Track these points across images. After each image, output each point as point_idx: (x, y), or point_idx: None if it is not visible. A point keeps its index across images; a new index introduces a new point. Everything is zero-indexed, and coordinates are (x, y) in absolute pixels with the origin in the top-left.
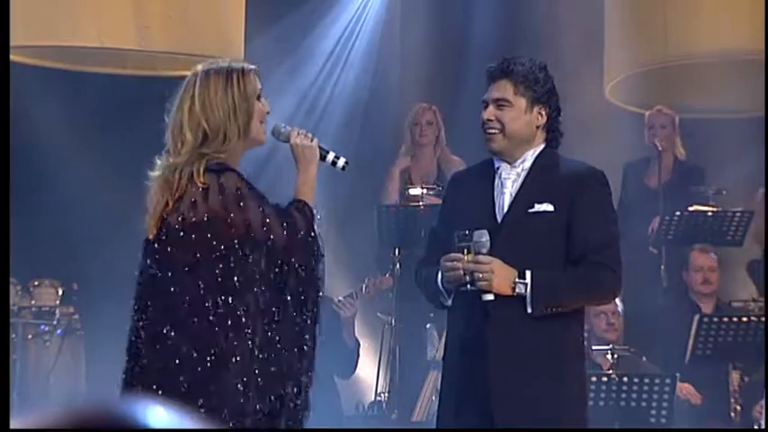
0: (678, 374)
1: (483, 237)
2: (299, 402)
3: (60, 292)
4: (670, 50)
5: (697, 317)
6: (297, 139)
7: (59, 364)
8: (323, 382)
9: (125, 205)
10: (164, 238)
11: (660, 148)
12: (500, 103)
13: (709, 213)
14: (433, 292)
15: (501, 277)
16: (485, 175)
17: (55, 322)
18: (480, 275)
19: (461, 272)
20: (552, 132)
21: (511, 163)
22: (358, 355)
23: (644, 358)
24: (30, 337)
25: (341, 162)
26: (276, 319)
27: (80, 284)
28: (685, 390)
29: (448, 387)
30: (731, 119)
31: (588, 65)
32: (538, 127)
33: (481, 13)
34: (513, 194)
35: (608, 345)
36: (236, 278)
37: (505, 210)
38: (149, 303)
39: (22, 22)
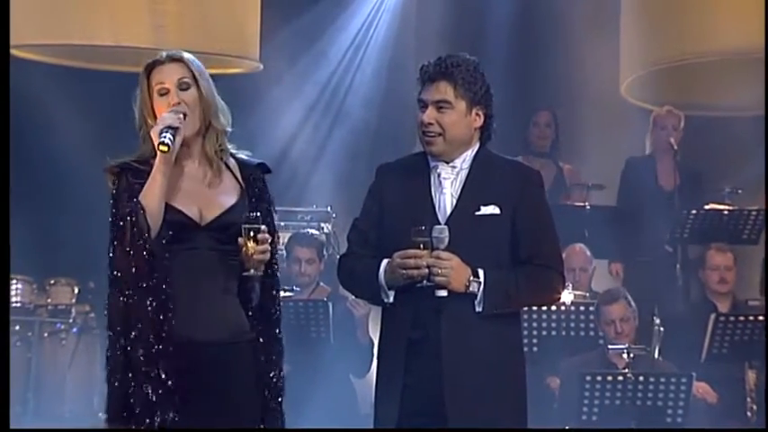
0: (694, 373)
1: (443, 232)
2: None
3: (76, 291)
4: (686, 48)
5: (713, 316)
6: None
7: (75, 363)
8: (339, 382)
9: None
10: None
11: (675, 148)
12: (440, 106)
13: (725, 212)
14: (371, 288)
15: (458, 274)
16: (418, 171)
17: (71, 320)
18: (440, 271)
19: (426, 270)
20: (486, 131)
21: (448, 162)
22: (372, 354)
23: (660, 357)
24: (46, 335)
25: (158, 143)
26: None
27: (96, 283)
28: (701, 389)
29: (391, 384)
30: (747, 117)
31: (604, 62)
32: (476, 128)
33: (497, 8)
34: (456, 195)
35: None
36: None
37: (448, 210)
38: None
39: (37, 20)
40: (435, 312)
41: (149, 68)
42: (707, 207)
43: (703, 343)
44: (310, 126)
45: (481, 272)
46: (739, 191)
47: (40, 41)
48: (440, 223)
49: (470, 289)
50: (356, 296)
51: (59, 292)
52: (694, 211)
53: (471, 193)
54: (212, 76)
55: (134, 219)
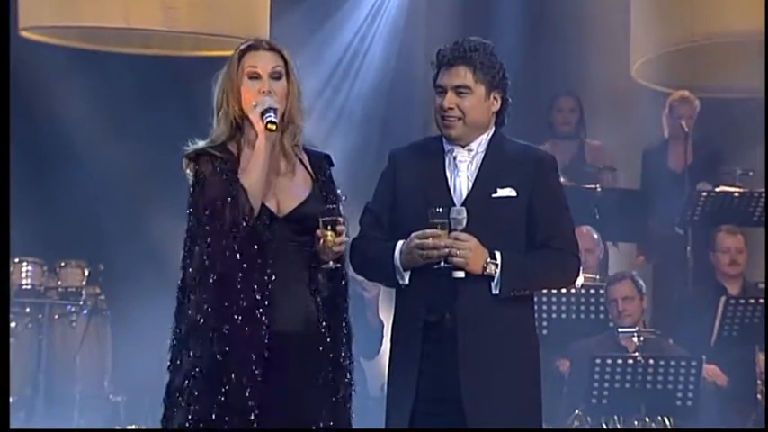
0: (704, 356)
1: (461, 214)
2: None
3: (87, 273)
4: (697, 30)
5: (723, 298)
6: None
7: (85, 345)
8: None
9: (152, 186)
10: None
11: (686, 130)
12: (460, 90)
13: (736, 194)
14: (386, 269)
15: (476, 256)
16: (433, 154)
17: (81, 303)
18: (458, 252)
19: (446, 250)
20: (501, 115)
21: (464, 146)
22: (382, 336)
23: (670, 340)
24: (56, 317)
25: (265, 122)
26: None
27: (106, 265)
28: (711, 371)
29: (407, 368)
30: (758, 99)
31: (615, 45)
32: (493, 112)
33: None
34: (472, 177)
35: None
36: (204, 261)
37: (464, 193)
38: None
39: (48, 3)
40: (452, 294)
41: (243, 51)
42: (718, 189)
43: (713, 326)
44: (318, 111)
45: (498, 254)
46: (750, 173)
47: (50, 23)
48: (455, 205)
49: (487, 271)
50: (369, 279)
51: (70, 275)
52: (705, 193)
53: (487, 175)
54: (221, 57)
55: (233, 200)
